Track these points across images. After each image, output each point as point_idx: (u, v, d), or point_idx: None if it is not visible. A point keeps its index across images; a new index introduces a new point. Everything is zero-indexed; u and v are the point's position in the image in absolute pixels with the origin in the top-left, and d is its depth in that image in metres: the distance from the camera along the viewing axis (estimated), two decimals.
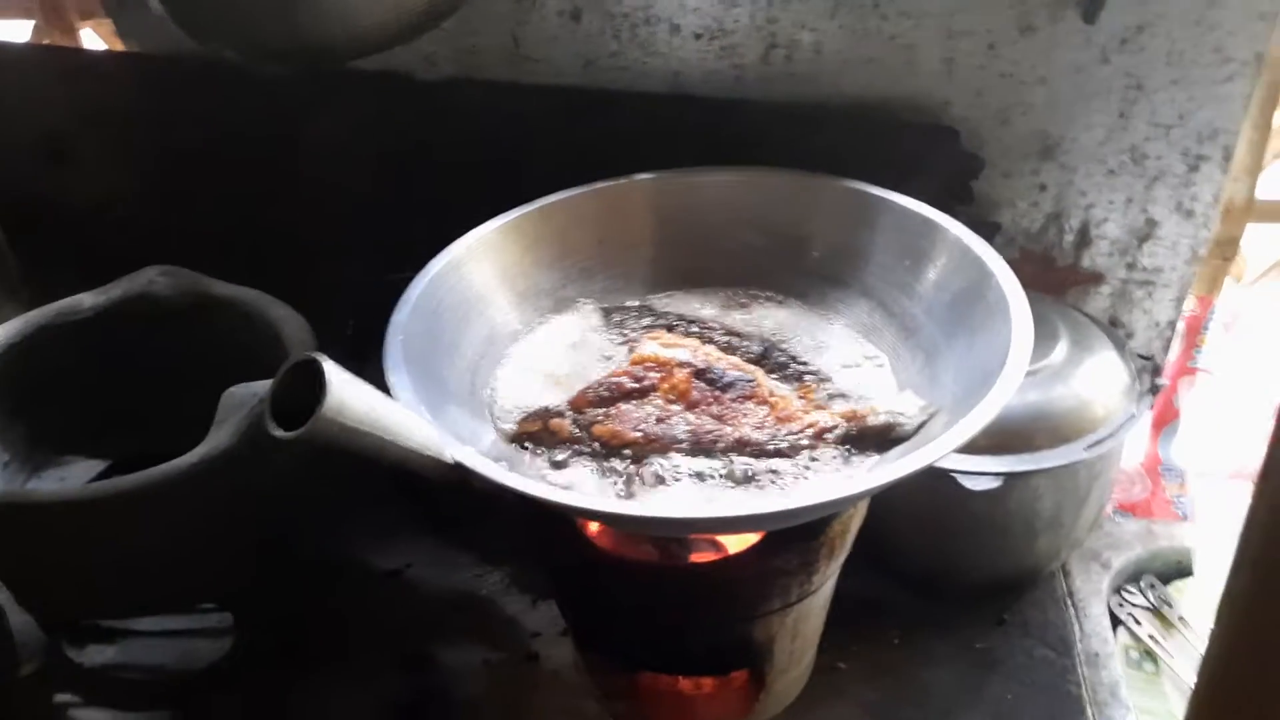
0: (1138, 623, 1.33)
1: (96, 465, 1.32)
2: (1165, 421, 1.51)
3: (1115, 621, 1.32)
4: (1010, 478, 1.11)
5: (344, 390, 0.78)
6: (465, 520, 1.42)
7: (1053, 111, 1.29)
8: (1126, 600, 1.35)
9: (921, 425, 0.99)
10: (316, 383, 0.78)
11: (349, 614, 1.31)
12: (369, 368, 0.93)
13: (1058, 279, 1.41)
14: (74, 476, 1.30)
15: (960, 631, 1.24)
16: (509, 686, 1.22)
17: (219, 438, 1.08)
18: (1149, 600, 1.35)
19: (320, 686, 1.22)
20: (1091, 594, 1.31)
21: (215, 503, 1.08)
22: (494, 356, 1.13)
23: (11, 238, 1.60)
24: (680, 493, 0.96)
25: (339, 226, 1.49)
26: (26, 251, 1.61)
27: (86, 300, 1.30)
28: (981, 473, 1.11)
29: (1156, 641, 1.30)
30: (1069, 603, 1.29)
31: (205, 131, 1.48)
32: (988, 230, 1.34)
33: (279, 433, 0.77)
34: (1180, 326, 1.43)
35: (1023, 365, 0.91)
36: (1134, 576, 1.38)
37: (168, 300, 1.29)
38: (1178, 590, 1.36)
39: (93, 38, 1.68)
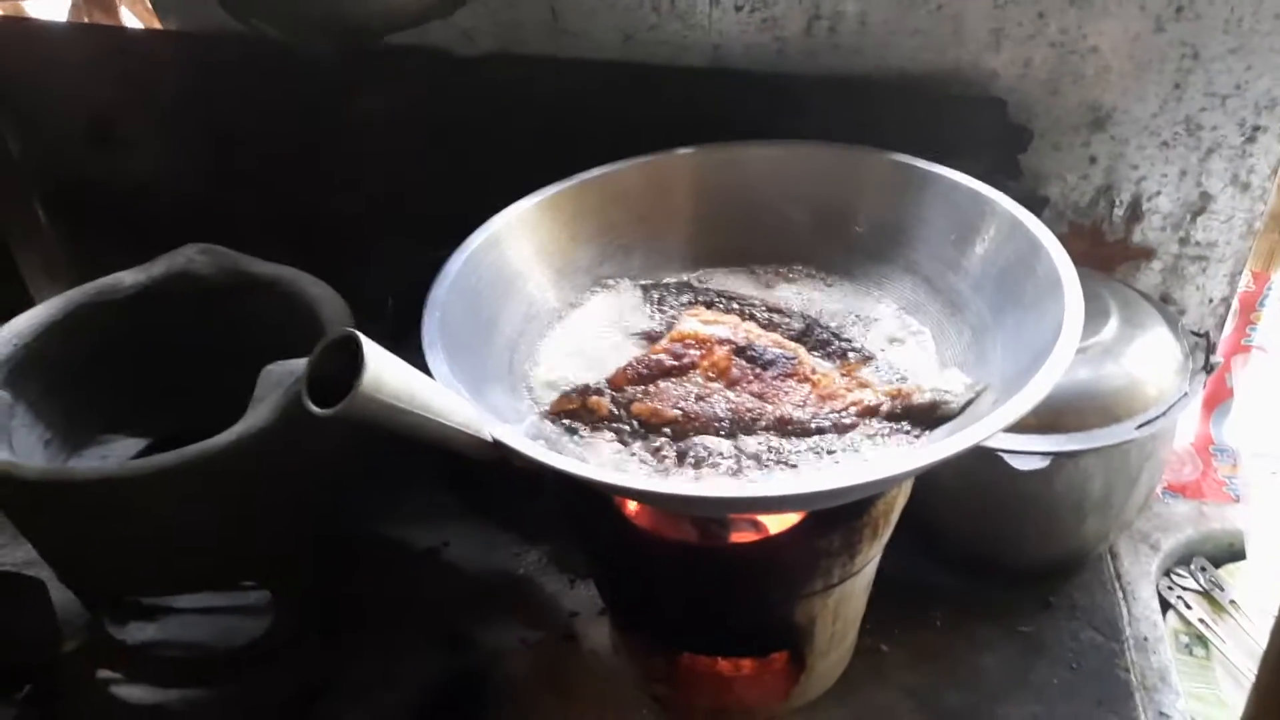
0: (1188, 606, 1.30)
1: (137, 443, 1.33)
2: (1218, 401, 1.47)
3: (1165, 605, 1.29)
4: (1059, 457, 1.08)
5: (381, 367, 0.77)
6: (504, 501, 1.41)
7: (1104, 82, 1.26)
8: (1176, 583, 1.33)
9: (968, 404, 0.97)
10: (354, 359, 0.77)
11: (387, 592, 1.32)
12: (407, 346, 0.92)
13: (1108, 254, 1.38)
14: (115, 454, 1.31)
15: (1006, 614, 1.22)
16: (546, 667, 1.21)
17: (257, 415, 1.08)
18: (1199, 583, 1.32)
19: (357, 664, 1.22)
20: (1140, 576, 1.29)
21: (253, 479, 1.08)
22: (532, 334, 1.12)
23: (54, 217, 1.61)
24: (720, 472, 0.94)
25: (378, 205, 1.49)
26: (68, 231, 1.62)
27: (126, 279, 1.30)
28: (1029, 452, 1.08)
29: (1207, 625, 1.27)
30: (1117, 585, 1.26)
31: (246, 111, 1.48)
32: (1036, 204, 1.30)
33: (316, 410, 0.76)
34: (1235, 303, 1.39)
35: (1074, 343, 0.88)
36: (1184, 559, 1.36)
37: (207, 278, 1.30)
38: (1229, 574, 1.33)
39: (129, 16, 1.68)
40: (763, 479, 0.93)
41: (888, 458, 0.93)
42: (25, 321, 1.24)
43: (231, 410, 1.09)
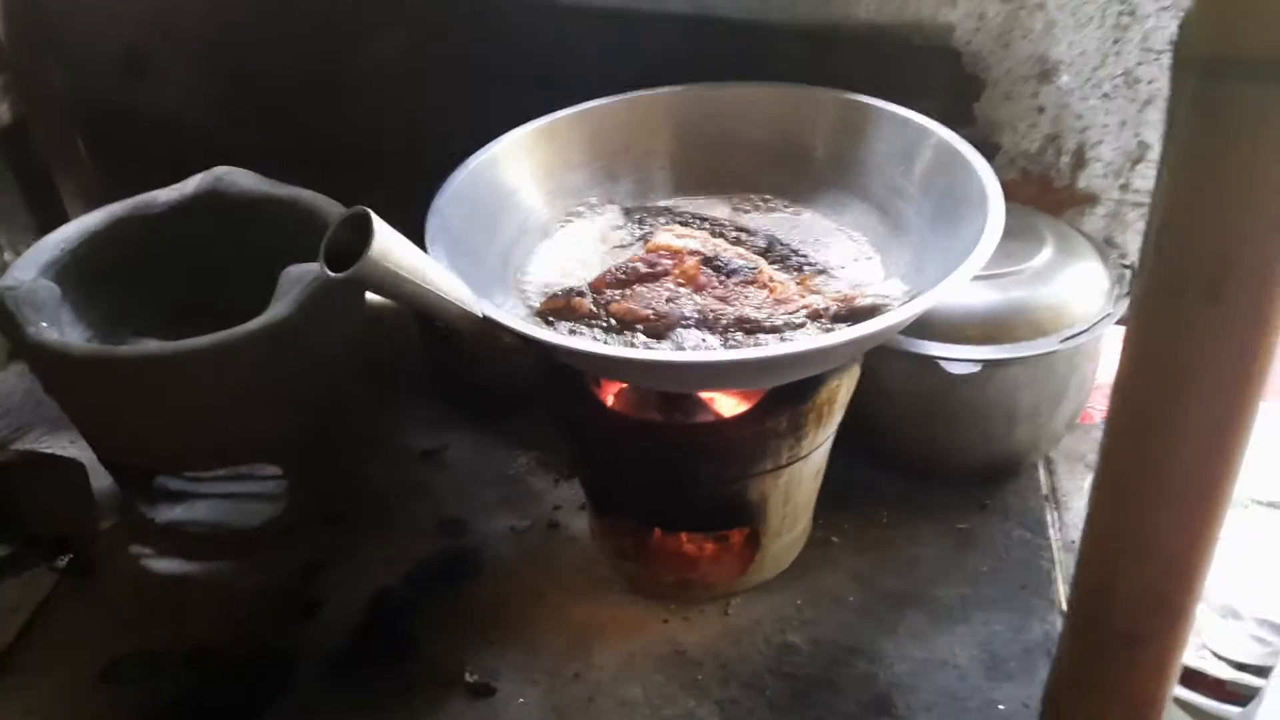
0: None
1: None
2: None
3: None
4: (990, 364, 1.22)
5: (389, 239, 0.90)
6: (498, 412, 1.55)
7: (1050, 36, 1.38)
8: None
9: (903, 307, 1.10)
10: (366, 235, 0.90)
11: (389, 485, 1.46)
12: None
13: (1055, 200, 1.50)
14: None
15: (944, 513, 1.35)
16: (532, 549, 1.35)
17: (279, 308, 1.22)
18: None
19: (361, 544, 1.37)
20: (1074, 490, 1.41)
21: (275, 364, 1.22)
22: (525, 244, 1.26)
23: (90, 147, 1.75)
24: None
25: (385, 140, 1.62)
26: (104, 158, 1.76)
27: (161, 196, 1.44)
28: (963, 359, 1.21)
29: None
30: (1051, 494, 1.39)
31: (270, 47, 1.62)
32: (988, 151, 1.42)
33: (331, 273, 0.90)
34: None
35: (991, 246, 1.01)
36: None
37: (234, 197, 1.43)
38: None
39: None
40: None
41: (810, 337, 1.06)
42: (71, 229, 1.37)
43: (253, 318, 1.22)
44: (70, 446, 1.43)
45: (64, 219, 1.67)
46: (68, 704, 1.19)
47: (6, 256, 1.67)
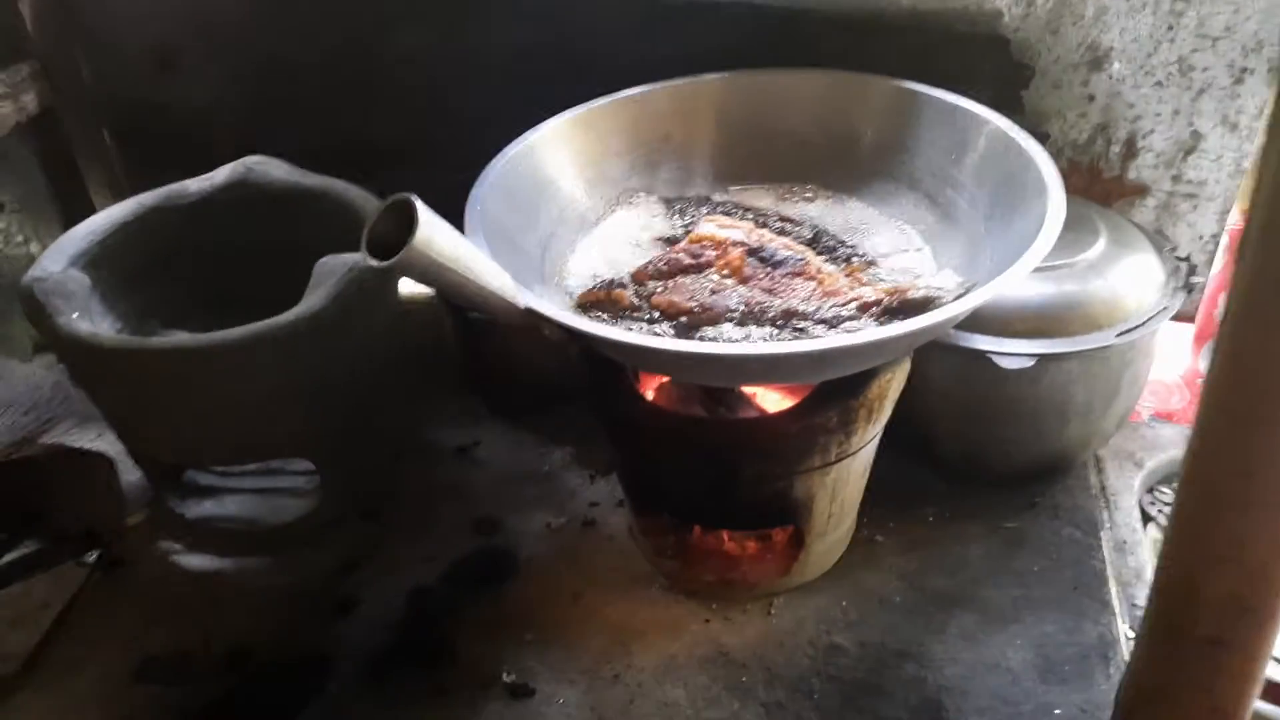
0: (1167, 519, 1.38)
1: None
2: (1206, 336, 1.56)
3: (1146, 518, 1.38)
4: (1044, 359, 1.18)
5: (433, 227, 0.87)
6: (530, 408, 1.52)
7: (1102, 23, 1.34)
8: (1159, 499, 1.41)
9: (959, 300, 1.06)
10: (410, 223, 0.87)
11: (422, 482, 1.43)
12: None
13: (1104, 191, 1.46)
14: None
15: (992, 512, 1.31)
16: (568, 547, 1.32)
17: (313, 300, 1.19)
18: None
19: (394, 542, 1.34)
20: (1124, 488, 1.38)
21: (308, 357, 1.19)
22: (564, 235, 1.23)
23: (117, 139, 1.73)
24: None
25: (415, 132, 1.60)
26: (131, 152, 1.74)
27: (192, 186, 1.42)
28: (1016, 354, 1.18)
29: None
30: (1101, 493, 1.35)
31: (297, 41, 1.59)
32: (1036, 140, 1.39)
33: (374, 261, 0.87)
34: (1224, 240, 1.47)
35: (1054, 234, 0.98)
36: (1167, 478, 1.44)
37: (264, 187, 1.41)
38: None
39: None
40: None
41: (869, 329, 1.03)
42: (101, 220, 1.35)
43: (284, 310, 1.19)
44: (98, 440, 1.40)
45: (90, 211, 1.64)
46: (101, 703, 1.17)
47: (33, 248, 1.65)
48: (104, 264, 1.32)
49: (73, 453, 1.33)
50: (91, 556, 1.33)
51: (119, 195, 1.63)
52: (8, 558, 1.30)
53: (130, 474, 1.39)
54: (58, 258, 1.27)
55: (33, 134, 1.65)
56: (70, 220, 1.47)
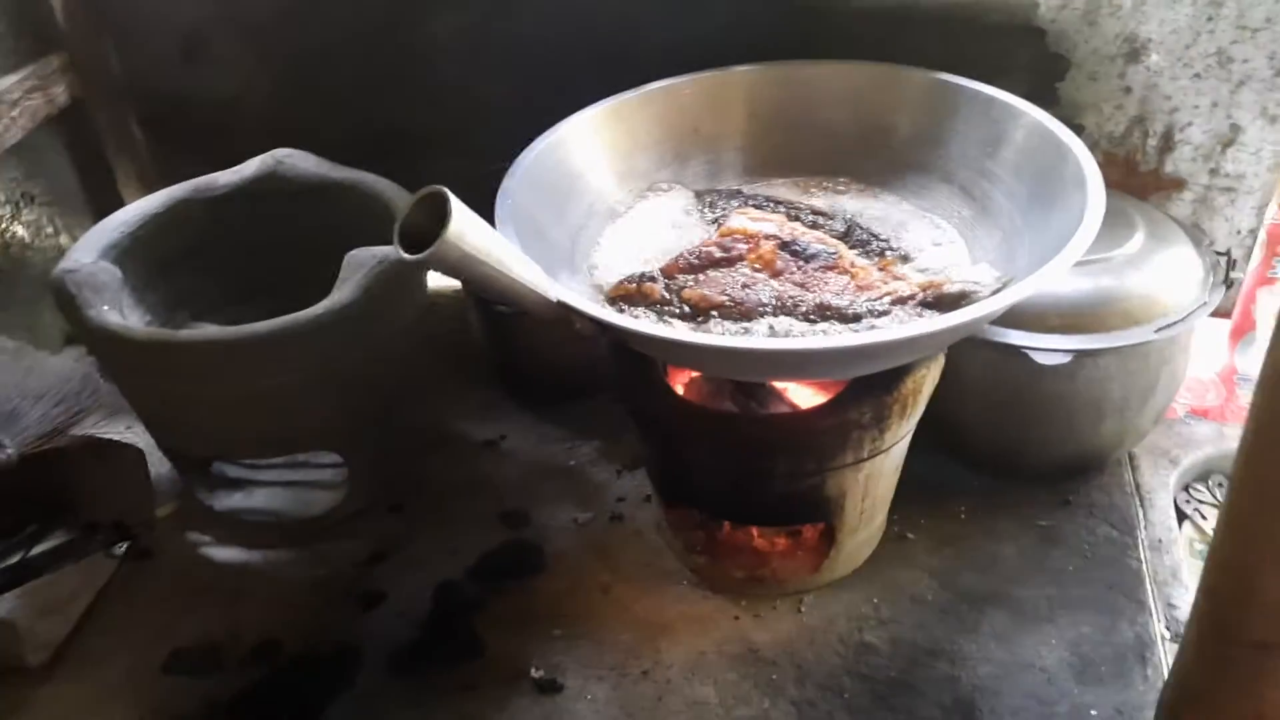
0: (1204, 517, 1.37)
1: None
2: (1243, 331, 1.53)
3: (1181, 516, 1.36)
4: (1080, 355, 1.16)
5: (465, 220, 0.86)
6: (556, 402, 1.52)
7: (1140, 13, 1.32)
8: (1194, 497, 1.39)
9: (995, 294, 1.05)
10: (442, 216, 0.86)
11: (449, 475, 1.43)
12: None
13: (1140, 184, 1.44)
14: None
15: (1025, 509, 1.30)
16: (595, 542, 1.31)
17: (342, 293, 1.19)
18: (1216, 498, 1.39)
19: (421, 534, 1.34)
20: (1159, 486, 1.36)
21: (337, 350, 1.19)
22: (593, 228, 1.22)
23: (147, 131, 1.73)
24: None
25: (447, 122, 1.59)
26: (160, 143, 1.74)
27: (221, 178, 1.41)
28: (1053, 349, 1.16)
29: None
30: (1135, 491, 1.33)
31: (327, 30, 1.58)
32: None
33: (407, 255, 0.86)
34: (1262, 235, 1.45)
35: (1094, 227, 0.96)
36: (1203, 475, 1.42)
37: (294, 179, 1.41)
38: None
39: None
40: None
41: (906, 324, 1.01)
42: (131, 212, 1.35)
43: (313, 303, 1.19)
44: (128, 431, 1.40)
45: (119, 203, 1.66)
46: (130, 694, 1.18)
47: (62, 240, 1.66)
48: (134, 256, 1.33)
49: (103, 444, 1.33)
50: (121, 548, 1.34)
51: (148, 187, 1.63)
52: (38, 549, 1.30)
53: (160, 466, 1.39)
54: (88, 249, 1.27)
55: (62, 126, 1.65)
56: (100, 213, 1.47)
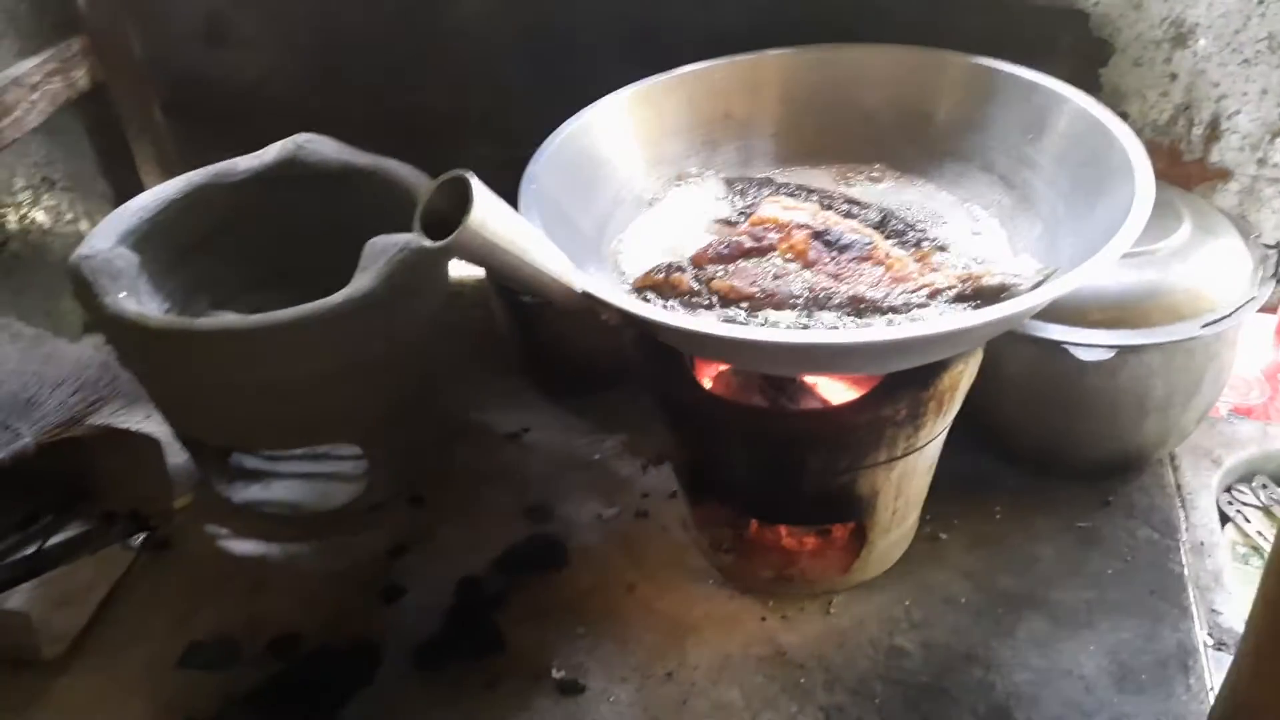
0: (1247, 520, 1.32)
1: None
2: None
3: (1224, 518, 1.32)
4: (1124, 350, 1.12)
5: (488, 206, 0.83)
6: (582, 394, 1.49)
7: None
8: (1237, 498, 1.35)
9: (1036, 288, 1.01)
10: (464, 201, 0.83)
11: (472, 467, 1.40)
12: None
13: (1185, 174, 1.39)
14: None
15: (1064, 509, 1.25)
16: (620, 538, 1.28)
17: (363, 281, 1.16)
18: (1260, 499, 1.35)
19: (443, 527, 1.31)
20: (1201, 487, 1.31)
21: (357, 339, 1.16)
22: (621, 216, 1.19)
23: (169, 114, 1.71)
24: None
25: (474, 106, 1.56)
26: (181, 127, 1.72)
27: (241, 163, 1.39)
28: (1094, 344, 1.12)
29: (1266, 539, 1.30)
30: (1176, 492, 1.29)
31: (351, 13, 1.56)
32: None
33: (428, 242, 0.83)
34: None
35: (1142, 220, 0.92)
36: (1246, 476, 1.38)
37: (314, 165, 1.38)
38: None
39: None
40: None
41: (947, 317, 0.98)
42: (150, 197, 1.33)
43: (334, 290, 1.16)
44: (146, 421, 1.38)
45: (140, 188, 1.63)
46: (146, 687, 1.16)
47: (82, 225, 1.64)
48: (152, 242, 1.30)
49: (120, 434, 1.31)
50: (138, 539, 1.32)
51: (170, 172, 1.61)
52: (55, 539, 1.28)
53: (178, 456, 1.37)
54: (107, 235, 1.25)
55: (83, 110, 1.63)
56: (121, 198, 1.45)
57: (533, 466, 1.40)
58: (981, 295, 1.01)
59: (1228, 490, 1.36)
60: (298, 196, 1.38)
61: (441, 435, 1.42)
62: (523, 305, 1.42)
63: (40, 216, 1.57)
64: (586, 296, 0.94)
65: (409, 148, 1.41)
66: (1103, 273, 0.91)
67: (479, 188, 0.83)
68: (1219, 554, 1.23)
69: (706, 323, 0.99)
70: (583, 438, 1.44)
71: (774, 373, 1.10)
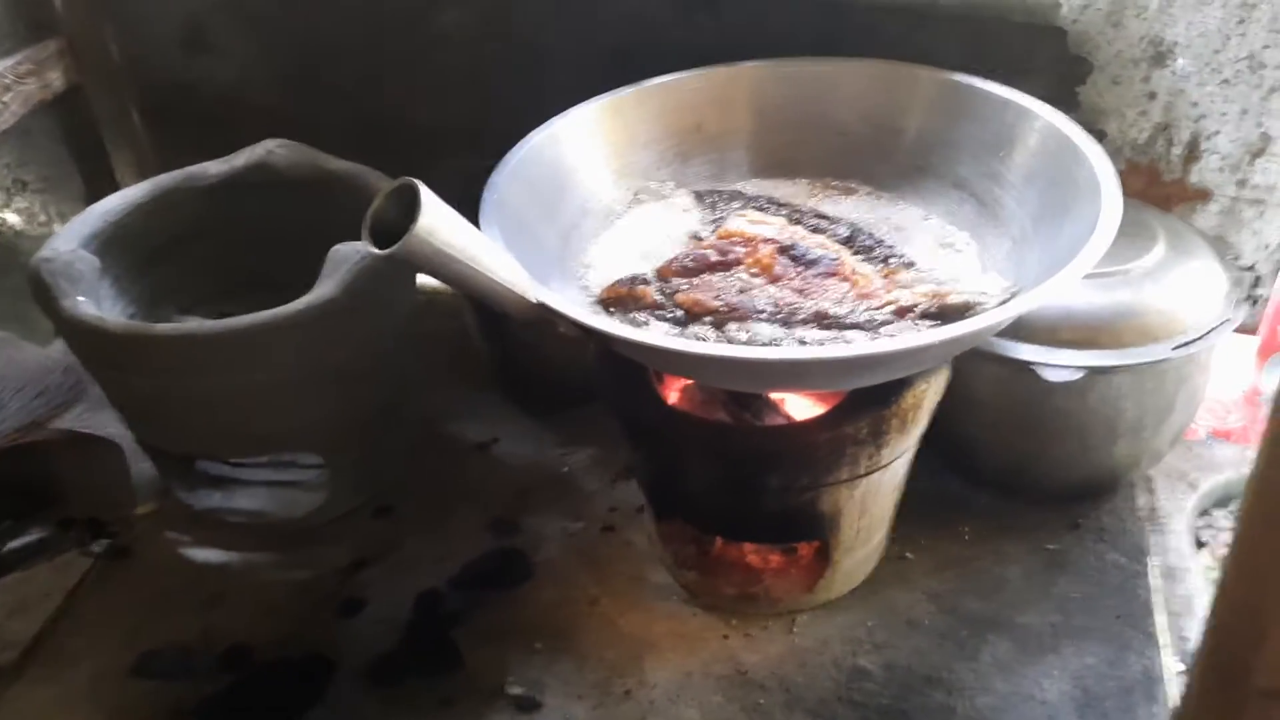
0: (1223, 546, 1.30)
1: None
2: (1271, 350, 1.47)
3: (1199, 544, 1.30)
4: (1092, 372, 1.11)
5: (437, 214, 0.82)
6: (552, 407, 1.47)
7: (1167, 15, 1.26)
8: (1213, 524, 1.33)
9: (1001, 305, 0.99)
10: (413, 209, 0.82)
11: (437, 478, 1.38)
12: None
13: (1164, 194, 1.38)
14: None
15: (1032, 532, 1.24)
16: (585, 553, 1.27)
17: (324, 288, 1.14)
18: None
19: (407, 539, 1.29)
20: (1175, 511, 1.30)
21: (319, 346, 1.15)
22: (587, 228, 1.17)
23: (145, 118, 1.70)
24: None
25: (453, 116, 1.55)
26: (159, 133, 1.71)
27: (211, 168, 1.37)
28: (1063, 365, 1.10)
29: None
30: (1150, 515, 1.27)
31: (330, 21, 1.55)
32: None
33: (375, 249, 0.82)
34: None
35: (1108, 237, 0.91)
36: (1223, 501, 1.36)
37: (285, 170, 1.36)
38: None
39: None
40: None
41: (906, 335, 0.96)
42: (116, 200, 1.31)
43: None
44: (110, 427, 1.37)
45: (115, 191, 1.62)
46: (98, 697, 1.14)
47: (56, 229, 1.62)
48: (117, 246, 1.29)
49: (82, 439, 1.30)
50: (98, 546, 1.30)
51: (147, 176, 1.59)
52: (12, 544, 1.27)
53: (141, 462, 1.35)
54: (69, 238, 1.23)
55: (58, 112, 1.62)
56: (97, 200, 1.43)
57: (500, 479, 1.38)
58: (946, 313, 1.00)
59: (1204, 514, 1.34)
60: (269, 203, 1.36)
61: (409, 445, 1.41)
62: (496, 316, 1.40)
63: (12, 219, 1.56)
64: (542, 308, 0.93)
65: (390, 157, 1.38)
66: (1069, 292, 0.89)
67: (427, 195, 0.82)
68: (1191, 579, 1.21)
69: (661, 336, 0.97)
70: (553, 450, 1.42)
71: (731, 388, 1.09)
